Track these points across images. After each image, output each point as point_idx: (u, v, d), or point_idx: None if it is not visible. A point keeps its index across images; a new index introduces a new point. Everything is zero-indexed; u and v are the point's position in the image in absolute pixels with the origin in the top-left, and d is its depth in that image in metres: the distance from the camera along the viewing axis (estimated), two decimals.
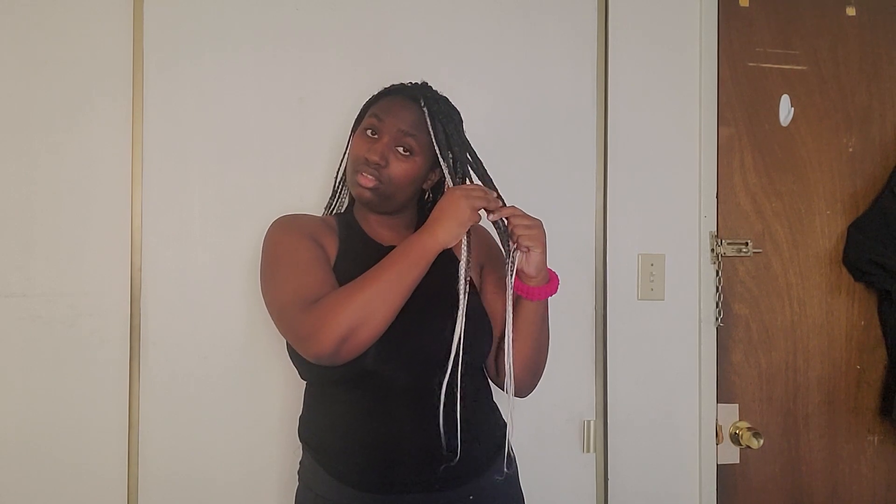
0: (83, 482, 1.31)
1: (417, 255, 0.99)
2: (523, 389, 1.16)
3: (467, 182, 1.10)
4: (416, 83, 1.16)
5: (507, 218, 1.05)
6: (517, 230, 1.04)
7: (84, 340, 1.32)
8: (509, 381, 1.06)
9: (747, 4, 1.68)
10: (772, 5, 1.69)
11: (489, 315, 1.14)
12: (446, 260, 1.05)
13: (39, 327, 1.30)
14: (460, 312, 1.02)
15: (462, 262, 1.04)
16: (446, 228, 0.99)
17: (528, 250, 1.04)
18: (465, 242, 1.04)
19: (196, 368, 1.36)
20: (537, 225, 1.05)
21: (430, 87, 1.16)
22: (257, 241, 1.34)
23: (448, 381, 1.01)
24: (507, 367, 1.06)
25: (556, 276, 1.11)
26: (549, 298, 1.11)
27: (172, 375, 1.35)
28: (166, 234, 1.36)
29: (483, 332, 1.11)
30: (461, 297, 1.03)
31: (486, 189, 1.05)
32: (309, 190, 1.40)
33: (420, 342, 1.04)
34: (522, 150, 1.53)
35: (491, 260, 1.20)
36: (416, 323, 1.03)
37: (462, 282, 1.03)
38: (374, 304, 0.94)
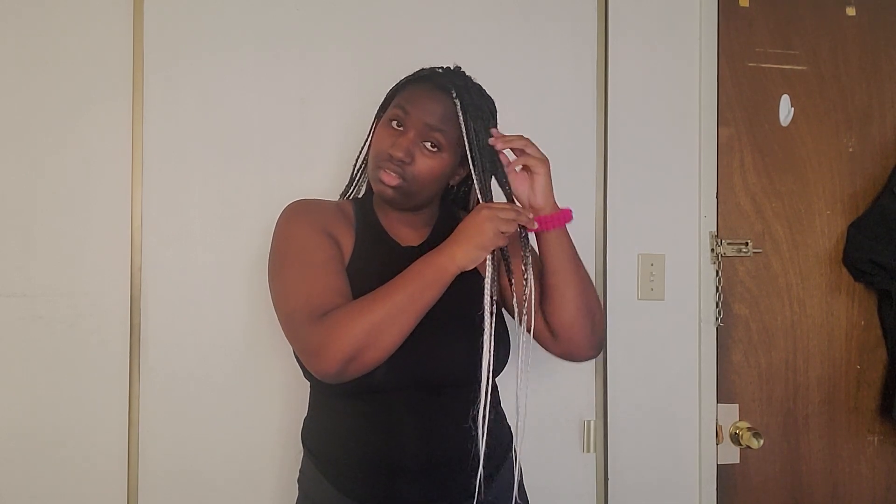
0: (83, 482, 1.31)
1: (433, 278, 0.93)
2: (585, 344, 1.06)
3: (490, 189, 1.02)
4: (449, 68, 1.08)
5: (515, 150, 1.02)
6: (526, 150, 1.01)
7: (84, 340, 1.32)
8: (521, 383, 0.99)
9: (747, 4, 1.68)
10: (772, 5, 1.69)
11: (520, 301, 1.06)
12: (465, 275, 0.98)
13: (39, 327, 1.30)
14: (486, 336, 0.96)
15: (487, 283, 0.97)
16: (466, 251, 0.93)
17: (532, 173, 1.01)
18: (490, 262, 0.97)
19: (196, 368, 1.36)
20: (543, 156, 1.03)
21: (464, 72, 1.08)
22: (258, 242, 1.35)
23: (467, 399, 0.98)
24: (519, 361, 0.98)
25: (568, 208, 1.05)
26: None
27: (172, 375, 1.35)
28: (166, 234, 1.36)
29: (501, 348, 1.05)
30: (487, 318, 0.96)
31: (517, 209, 0.98)
32: (310, 190, 1.39)
33: (432, 360, 1.00)
34: None
35: (512, 250, 1.11)
36: (428, 340, 0.99)
37: (487, 301, 0.96)
38: (383, 325, 0.90)
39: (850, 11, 1.73)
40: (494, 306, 0.97)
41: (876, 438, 1.72)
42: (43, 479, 1.30)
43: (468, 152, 1.01)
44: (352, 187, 1.19)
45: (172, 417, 1.34)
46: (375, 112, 1.12)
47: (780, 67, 1.69)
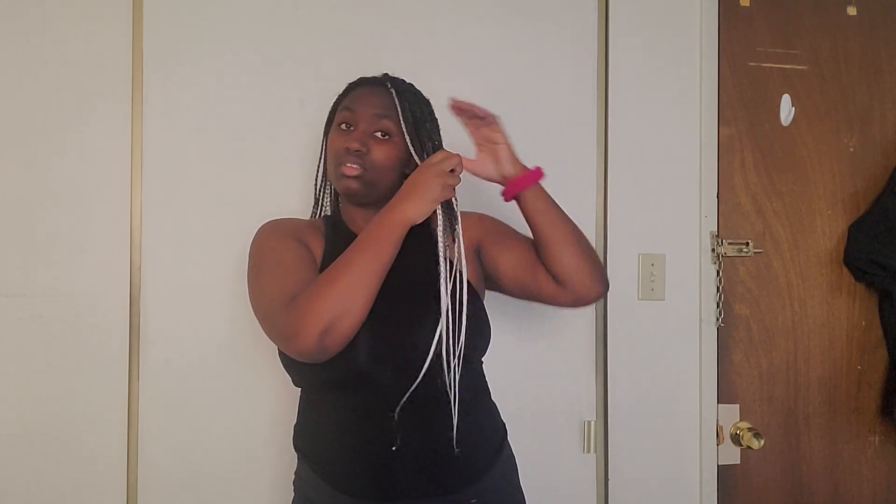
0: (83, 481, 1.31)
1: (387, 233, 0.97)
2: (592, 283, 1.09)
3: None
4: (377, 76, 1.15)
5: (463, 120, 1.09)
6: (480, 130, 1.08)
7: (84, 339, 1.32)
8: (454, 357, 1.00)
9: (748, 4, 1.68)
10: (772, 5, 1.69)
11: (512, 269, 1.12)
12: (432, 250, 1.03)
13: (40, 327, 1.31)
14: (442, 280, 0.99)
15: (439, 232, 1.02)
16: (416, 205, 0.98)
17: (493, 144, 1.08)
18: (441, 221, 1.02)
19: (195, 368, 1.36)
20: (493, 118, 1.08)
21: (392, 76, 1.15)
22: None
23: (445, 381, 0.99)
24: (443, 333, 0.99)
25: (538, 166, 1.11)
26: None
27: (172, 374, 1.35)
28: (166, 234, 1.36)
29: (479, 328, 1.07)
30: (442, 263, 1.00)
31: (458, 156, 1.03)
32: (310, 190, 1.39)
33: (413, 341, 1.01)
34: (522, 151, 1.49)
35: (486, 233, 1.17)
36: (408, 320, 1.01)
37: (441, 249, 1.01)
38: (351, 290, 0.93)
39: (851, 11, 1.73)
40: (460, 280, 1.01)
41: (877, 439, 1.71)
42: (43, 479, 1.30)
43: (404, 127, 1.07)
44: (318, 207, 1.25)
45: (172, 417, 1.35)
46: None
47: (781, 67, 1.69)
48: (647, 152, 1.60)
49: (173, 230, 1.36)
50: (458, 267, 1.02)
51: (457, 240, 1.04)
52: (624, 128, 1.59)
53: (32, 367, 1.30)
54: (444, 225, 1.03)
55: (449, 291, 1.00)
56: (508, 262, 1.13)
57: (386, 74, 1.15)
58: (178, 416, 1.35)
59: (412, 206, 0.98)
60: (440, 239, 1.02)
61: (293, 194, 1.40)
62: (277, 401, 1.38)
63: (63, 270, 1.32)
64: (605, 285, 1.13)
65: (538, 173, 1.10)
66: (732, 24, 1.66)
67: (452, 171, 1.01)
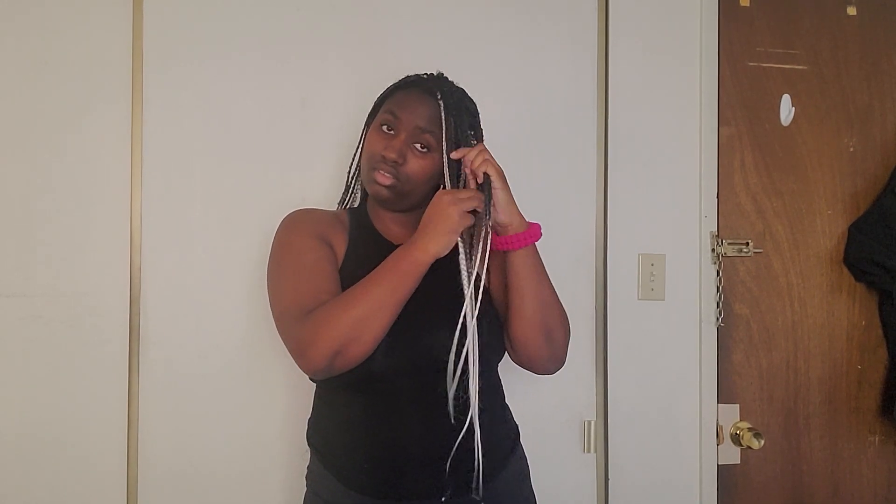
0: (83, 481, 1.31)
1: (408, 270, 0.96)
2: (540, 359, 1.08)
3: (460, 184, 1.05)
4: (433, 74, 1.13)
5: (471, 159, 1.01)
6: (478, 160, 1.00)
7: (84, 340, 1.32)
8: (473, 376, 0.97)
9: (748, 4, 1.68)
10: (772, 5, 1.69)
11: (498, 300, 1.11)
12: (455, 260, 1.01)
13: (39, 327, 1.30)
14: (468, 315, 0.96)
15: (462, 267, 0.99)
16: (436, 239, 0.96)
17: (492, 188, 1.00)
18: (462, 248, 1.00)
19: (196, 368, 1.36)
20: (498, 168, 1.01)
21: (447, 78, 1.13)
22: (258, 242, 1.36)
23: (459, 386, 0.98)
24: (469, 354, 0.97)
25: (538, 224, 1.06)
26: None
27: (172, 375, 1.35)
28: (166, 234, 1.36)
29: (496, 332, 1.08)
30: (466, 290, 0.97)
31: (476, 192, 1.00)
32: (310, 190, 1.40)
33: (429, 346, 1.01)
34: (522, 151, 1.53)
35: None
36: (424, 326, 1.01)
37: (464, 276, 0.99)
38: (365, 320, 0.93)
39: (851, 11, 1.73)
40: (472, 278, 0.98)
41: (877, 439, 1.71)
42: (43, 479, 1.30)
43: (444, 144, 1.04)
44: (348, 195, 1.24)
45: (172, 417, 1.35)
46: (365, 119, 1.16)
47: (781, 67, 1.69)
48: (647, 152, 1.60)
49: (173, 230, 1.36)
50: (480, 281, 1.00)
51: (482, 261, 1.00)
52: (624, 128, 1.59)
53: (32, 368, 1.30)
54: (466, 252, 1.00)
55: (475, 318, 0.97)
56: (499, 293, 1.12)
57: (440, 76, 1.12)
58: (179, 416, 1.35)
59: (433, 242, 0.96)
60: (463, 268, 0.99)
61: (294, 194, 1.40)
62: (279, 401, 1.37)
63: (63, 270, 1.32)
64: (557, 365, 1.12)
65: (533, 234, 1.04)
66: (732, 24, 1.66)
67: (470, 197, 0.99)
